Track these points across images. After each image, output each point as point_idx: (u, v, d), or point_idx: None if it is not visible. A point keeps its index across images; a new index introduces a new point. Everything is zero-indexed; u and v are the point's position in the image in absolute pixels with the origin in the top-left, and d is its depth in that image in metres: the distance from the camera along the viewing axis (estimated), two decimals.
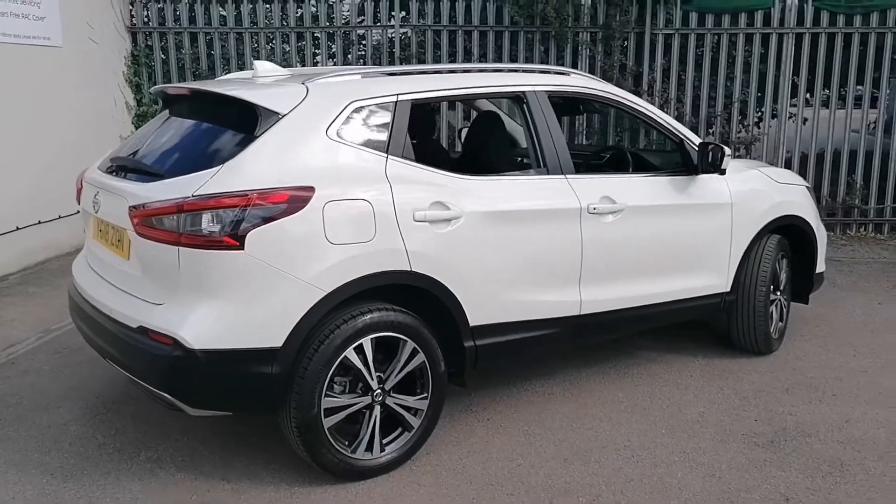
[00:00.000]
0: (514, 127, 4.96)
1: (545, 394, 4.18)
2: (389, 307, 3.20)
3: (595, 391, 4.21)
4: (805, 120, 8.37)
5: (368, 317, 3.12)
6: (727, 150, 4.10)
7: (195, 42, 8.36)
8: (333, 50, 8.33)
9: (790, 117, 8.32)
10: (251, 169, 2.93)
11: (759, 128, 8.42)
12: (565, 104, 4.67)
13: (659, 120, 4.27)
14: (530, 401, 4.09)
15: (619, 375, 4.44)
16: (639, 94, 8.08)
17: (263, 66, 3.55)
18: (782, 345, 4.90)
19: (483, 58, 8.22)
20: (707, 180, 4.28)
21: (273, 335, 2.91)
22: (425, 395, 3.34)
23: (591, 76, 4.23)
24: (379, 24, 8.26)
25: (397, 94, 3.33)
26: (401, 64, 8.22)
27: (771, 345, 4.76)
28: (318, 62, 8.41)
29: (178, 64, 8.40)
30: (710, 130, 8.32)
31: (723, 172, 4.17)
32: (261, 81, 3.48)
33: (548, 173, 3.74)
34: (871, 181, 8.24)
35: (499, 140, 4.19)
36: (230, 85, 3.48)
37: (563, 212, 3.71)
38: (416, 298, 3.33)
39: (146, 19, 8.42)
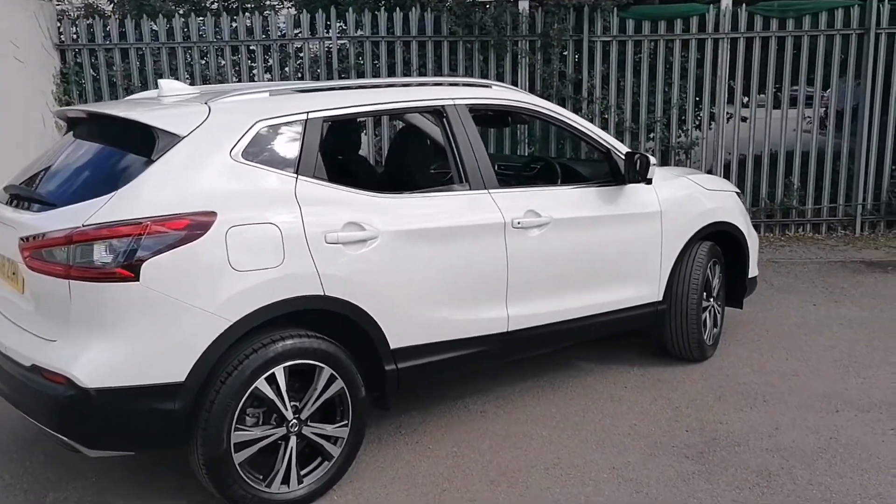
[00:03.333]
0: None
1: (478, 412, 4.10)
2: (304, 333, 3.10)
3: (528, 407, 4.15)
4: (744, 119, 8.45)
5: (280, 345, 3.01)
6: (652, 160, 4.08)
7: (126, 58, 8.15)
8: (270, 63, 8.19)
9: (728, 118, 8.40)
10: (147, 195, 2.81)
11: (699, 131, 8.48)
12: (495, 117, 4.61)
13: (585, 130, 4.24)
14: (462, 420, 4.00)
15: (553, 389, 4.39)
16: (579, 101, 8.11)
17: (169, 85, 3.42)
18: (717, 350, 4.90)
19: (423, 69, 8.16)
20: (635, 190, 4.26)
21: (174, 370, 2.78)
22: (345, 422, 3.24)
23: (515, 88, 4.18)
24: (316, 35, 8.14)
25: (307, 112, 3.24)
26: (339, 76, 8.12)
27: (705, 351, 4.75)
28: (254, 76, 8.26)
29: (110, 81, 8.18)
30: (651, 136, 8.36)
31: (649, 182, 4.15)
32: (166, 101, 3.35)
33: (470, 188, 3.67)
34: (808, 182, 8.36)
35: (419, 155, 4.11)
36: (130, 106, 3.36)
37: (486, 227, 3.64)
38: (333, 323, 3.23)
39: (75, 36, 8.19)
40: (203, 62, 8.19)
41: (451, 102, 3.70)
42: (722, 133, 8.33)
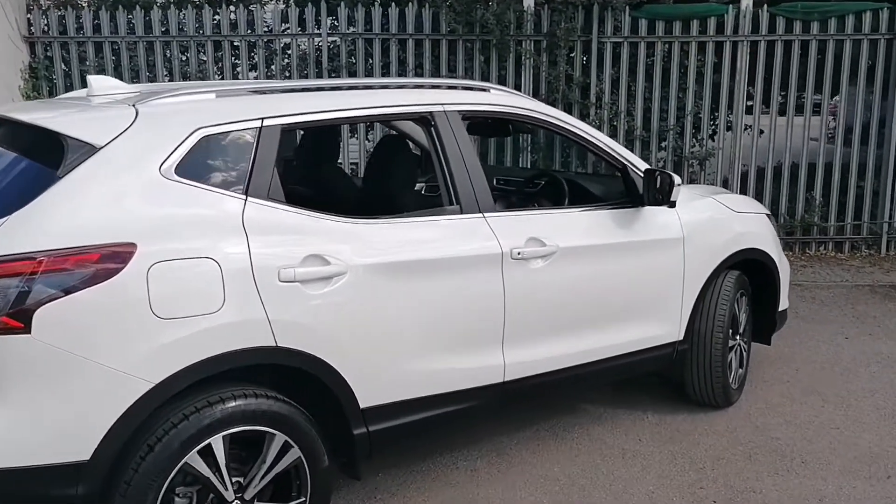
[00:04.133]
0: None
1: (468, 471, 3.51)
2: (251, 392, 2.51)
3: (526, 464, 3.56)
4: (762, 132, 7.86)
5: (219, 409, 2.42)
6: (676, 179, 3.48)
7: (100, 52, 7.57)
8: (255, 60, 7.61)
9: (745, 129, 7.81)
10: (46, 221, 2.22)
11: (713, 141, 7.89)
12: (493, 125, 4.02)
13: (597, 143, 3.64)
14: (449, 481, 3.41)
15: (556, 441, 3.79)
16: (586, 107, 7.53)
17: (101, 83, 2.82)
18: (743, 394, 4.30)
19: (419, 69, 7.58)
20: (655, 212, 3.67)
21: (77, 446, 2.20)
22: (303, 499, 2.64)
23: (516, 92, 3.58)
24: (305, 31, 7.55)
25: (262, 118, 2.65)
26: (330, 76, 7.53)
27: (730, 396, 4.16)
28: (238, 74, 7.68)
29: (82, 76, 7.58)
30: (662, 144, 7.77)
31: (672, 205, 3.54)
32: (94, 102, 2.75)
33: (461, 212, 3.08)
34: (831, 196, 7.77)
35: (402, 172, 3.51)
36: (47, 108, 2.76)
37: (480, 259, 3.05)
38: (289, 378, 2.64)
39: (45, 28, 7.61)
40: (183, 58, 7.61)
41: (440, 108, 3.11)
42: (739, 143, 7.74)
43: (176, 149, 2.45)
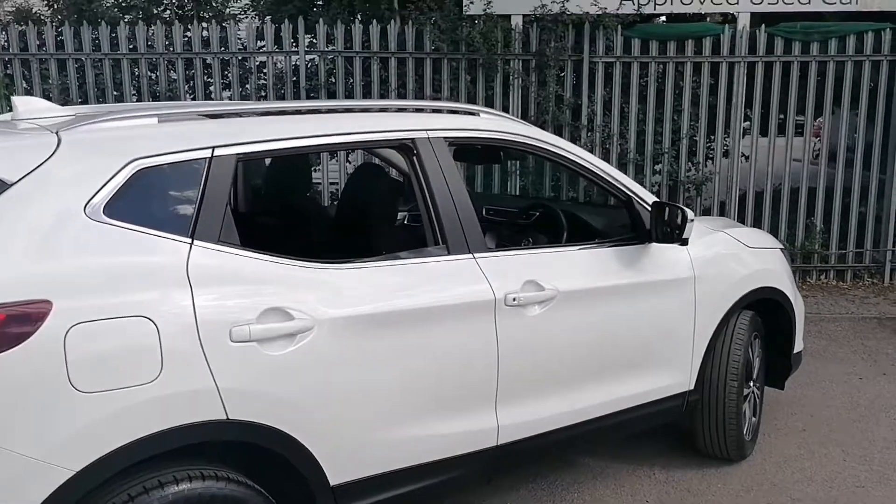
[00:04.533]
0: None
1: None
2: (198, 473, 2.08)
3: None
4: (745, 157, 7.51)
5: (158, 495, 1.99)
6: (690, 214, 3.10)
7: (64, 70, 7.14)
8: (229, 79, 7.21)
9: (744, 157, 7.49)
10: None
11: (710, 164, 7.56)
12: (482, 152, 3.64)
13: (598, 172, 3.26)
14: None
15: (554, 502, 3.38)
16: (577, 129, 7.18)
17: (26, 105, 2.41)
18: (756, 445, 3.91)
19: (402, 89, 7.21)
20: (663, 249, 3.28)
21: None
22: None
23: (508, 116, 3.20)
24: (282, 49, 7.17)
25: (213, 147, 2.24)
26: (308, 95, 7.15)
27: (744, 449, 3.77)
28: (211, 94, 7.27)
29: (45, 95, 7.13)
30: (657, 168, 7.43)
31: (684, 242, 3.16)
32: (20, 127, 2.34)
33: (448, 252, 2.68)
34: (832, 222, 7.45)
35: (380, 205, 3.10)
36: None
37: (470, 307, 2.65)
38: (247, 453, 2.22)
39: (5, 44, 7.17)
40: (152, 76, 7.19)
41: (423, 135, 2.71)
42: (737, 167, 7.42)
43: (106, 184, 2.04)
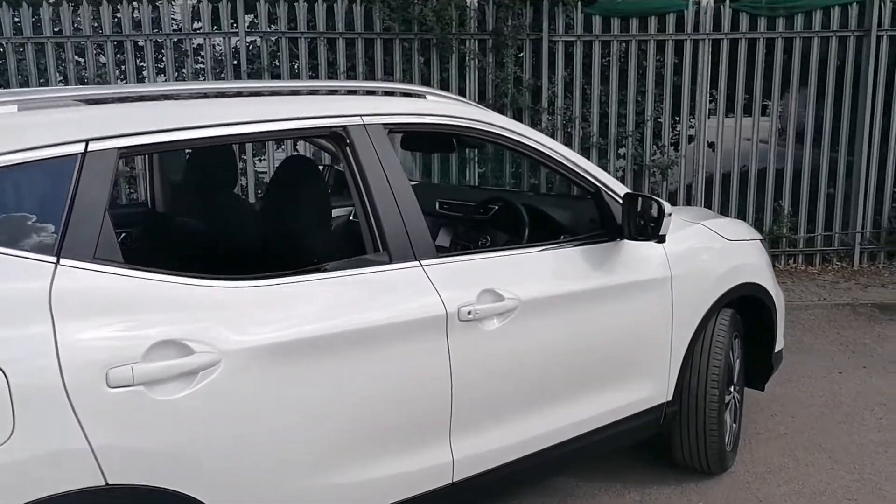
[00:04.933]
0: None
1: None
2: None
3: None
4: (711, 144, 7.23)
5: None
6: (667, 208, 2.73)
7: None
8: (164, 63, 6.68)
9: (710, 147, 7.20)
10: None
11: (676, 149, 7.25)
12: (432, 140, 3.24)
13: (563, 161, 2.86)
14: None
15: None
16: (538, 112, 6.82)
17: None
18: (738, 455, 3.60)
19: (351, 72, 6.76)
20: (636, 246, 2.92)
21: None
22: None
23: (460, 99, 2.78)
24: (220, 30, 6.65)
25: (86, 141, 1.80)
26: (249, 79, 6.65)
27: (725, 461, 3.46)
28: (144, 78, 6.74)
29: None
30: (621, 152, 7.11)
31: (661, 240, 2.79)
32: None
33: (390, 260, 2.28)
34: (800, 205, 7.22)
35: (309, 206, 2.67)
36: None
37: (416, 325, 2.25)
38: None
39: None
40: (80, 60, 6.64)
41: (356, 121, 2.29)
42: (703, 149, 7.13)
43: None
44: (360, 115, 2.32)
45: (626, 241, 2.88)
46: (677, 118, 7.23)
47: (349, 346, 2.09)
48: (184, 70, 6.75)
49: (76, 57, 6.61)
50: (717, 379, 3.25)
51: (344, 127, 2.27)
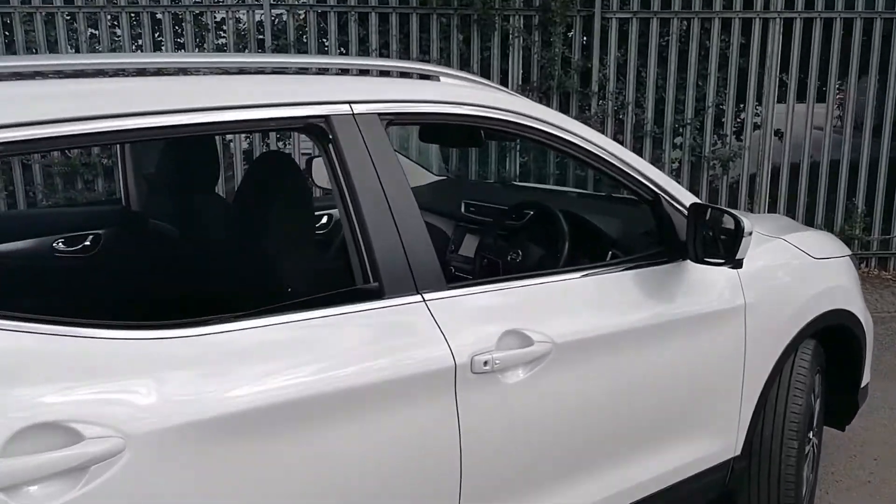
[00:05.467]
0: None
1: None
2: None
3: None
4: (779, 133, 6.54)
5: None
6: (746, 225, 2.13)
7: None
8: (183, 39, 6.23)
9: (776, 133, 6.52)
10: None
11: (738, 138, 6.59)
12: (451, 131, 2.67)
13: (611, 160, 2.27)
14: None
15: None
16: (587, 97, 6.20)
17: None
18: None
19: (384, 49, 6.23)
20: (701, 268, 2.33)
21: None
22: None
23: (483, 82, 2.18)
24: (243, 3, 6.17)
25: None
26: None
27: None
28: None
29: None
30: (676, 142, 6.46)
31: (738, 265, 2.20)
32: None
33: (382, 293, 1.74)
34: (875, 203, 6.50)
35: (282, 221, 2.12)
36: None
37: (412, 382, 1.71)
38: None
39: None
40: (91, 33, 6.21)
41: (343, 110, 1.75)
42: (769, 139, 6.43)
43: None
44: (349, 103, 1.78)
45: (689, 262, 2.30)
46: (741, 105, 6.56)
47: (325, 414, 1.57)
48: (205, 46, 6.29)
49: (90, 29, 6.18)
50: (796, 428, 2.67)
51: (326, 117, 1.72)
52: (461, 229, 3.06)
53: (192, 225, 2.34)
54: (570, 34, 6.26)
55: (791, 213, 6.44)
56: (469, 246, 3.01)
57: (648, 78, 6.24)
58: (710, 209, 2.21)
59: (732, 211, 2.17)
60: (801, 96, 6.45)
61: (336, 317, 1.65)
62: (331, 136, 1.73)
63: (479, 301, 1.89)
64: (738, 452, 2.56)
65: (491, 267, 2.76)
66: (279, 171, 2.20)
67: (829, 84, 6.39)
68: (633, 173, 2.30)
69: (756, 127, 6.53)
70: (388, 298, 1.73)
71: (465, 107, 1.98)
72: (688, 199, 2.34)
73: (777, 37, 6.23)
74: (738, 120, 6.69)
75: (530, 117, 2.10)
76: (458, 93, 2.01)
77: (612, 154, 2.27)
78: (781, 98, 6.48)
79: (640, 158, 2.37)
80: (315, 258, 2.18)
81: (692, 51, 6.20)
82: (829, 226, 6.48)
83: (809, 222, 6.46)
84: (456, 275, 3.00)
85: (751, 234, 2.14)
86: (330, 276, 1.82)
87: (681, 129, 6.37)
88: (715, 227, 2.19)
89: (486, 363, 1.80)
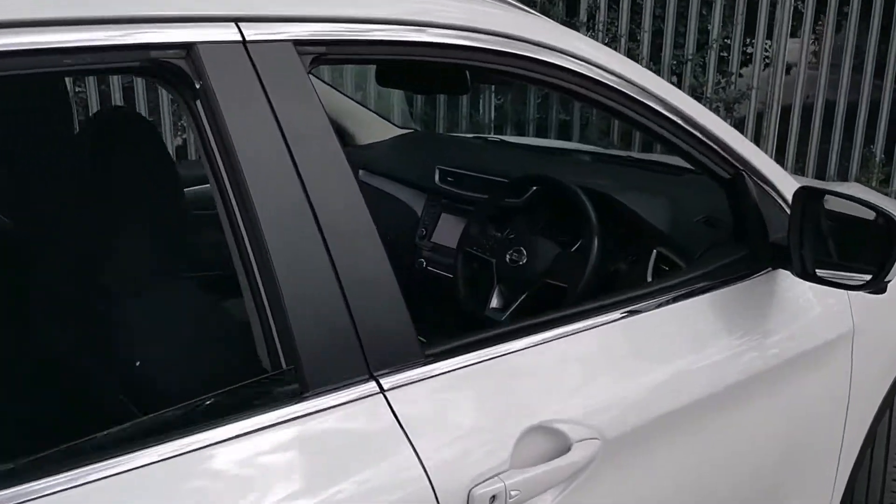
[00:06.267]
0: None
1: None
2: None
3: None
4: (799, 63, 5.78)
5: None
6: None
7: None
8: None
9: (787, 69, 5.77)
10: None
11: (743, 76, 5.86)
12: (417, 71, 1.76)
13: (671, 116, 1.43)
14: None
15: None
16: (574, 27, 5.34)
17: None
18: None
19: None
20: (792, 280, 1.52)
21: None
22: None
23: None
24: None
25: None
26: None
27: None
28: None
29: None
30: (673, 80, 5.68)
31: (881, 290, 1.40)
32: None
33: (303, 386, 0.91)
34: None
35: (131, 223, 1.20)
36: None
37: None
38: None
39: None
40: None
41: (222, 34, 0.90)
42: (780, 77, 5.67)
43: None
44: (236, 20, 0.92)
45: (781, 271, 1.51)
46: (749, 39, 5.78)
47: None
48: None
49: None
50: None
51: (187, 47, 0.87)
52: (434, 205, 2.23)
53: None
54: None
55: (801, 161, 5.75)
56: (446, 230, 2.18)
57: (645, 6, 5.46)
58: (833, 196, 1.41)
59: (877, 204, 1.36)
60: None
61: (211, 451, 0.83)
62: (197, 85, 0.88)
63: (478, 378, 1.08)
64: None
65: (481, 271, 1.94)
66: (123, 139, 1.26)
67: (850, 17, 5.61)
68: (703, 136, 1.47)
69: (766, 65, 5.77)
70: (313, 396, 0.91)
71: (437, 31, 1.10)
72: (785, 178, 1.53)
73: None
74: (745, 56, 5.93)
75: (557, 50, 1.24)
76: (434, 9, 1.13)
77: (677, 106, 1.44)
78: (795, 32, 5.73)
79: (712, 114, 1.54)
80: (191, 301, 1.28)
81: None
82: (842, 175, 5.82)
83: (821, 173, 5.78)
84: (427, 269, 2.20)
85: None
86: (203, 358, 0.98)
87: (679, 67, 5.65)
88: (842, 228, 1.39)
89: (494, 498, 0.99)
